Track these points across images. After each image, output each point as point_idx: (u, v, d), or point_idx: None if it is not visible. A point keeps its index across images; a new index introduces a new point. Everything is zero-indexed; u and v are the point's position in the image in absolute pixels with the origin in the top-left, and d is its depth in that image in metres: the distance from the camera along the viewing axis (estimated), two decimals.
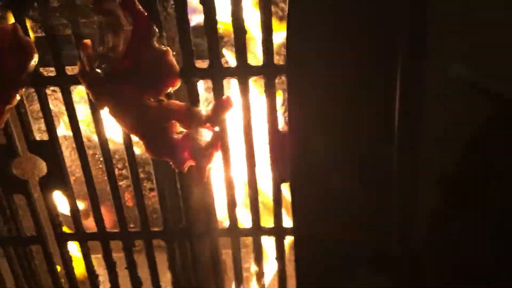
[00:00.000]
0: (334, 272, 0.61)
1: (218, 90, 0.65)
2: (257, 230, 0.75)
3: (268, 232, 0.74)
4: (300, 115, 0.56)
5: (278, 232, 0.74)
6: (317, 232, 0.60)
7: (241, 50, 0.62)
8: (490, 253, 0.64)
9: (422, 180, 0.64)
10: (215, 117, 0.65)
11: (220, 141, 0.67)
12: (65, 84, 0.66)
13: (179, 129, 0.66)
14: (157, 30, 0.61)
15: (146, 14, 0.60)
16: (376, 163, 0.64)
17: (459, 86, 0.58)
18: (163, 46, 0.61)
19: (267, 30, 0.60)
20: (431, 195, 0.65)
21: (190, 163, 0.68)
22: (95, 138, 0.74)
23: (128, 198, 1.06)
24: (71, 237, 0.77)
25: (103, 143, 0.69)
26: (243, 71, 0.63)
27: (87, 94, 0.65)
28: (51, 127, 0.68)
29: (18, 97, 0.64)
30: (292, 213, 0.62)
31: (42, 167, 0.72)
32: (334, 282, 0.62)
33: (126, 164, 0.72)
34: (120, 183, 1.03)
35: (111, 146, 0.72)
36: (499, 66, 0.56)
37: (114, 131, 0.74)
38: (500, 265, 0.64)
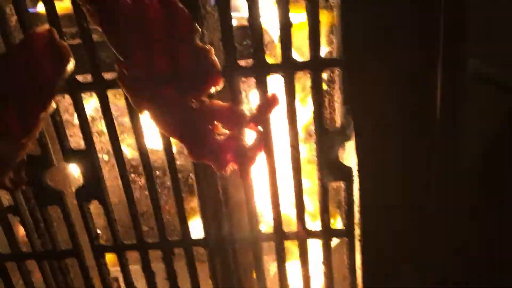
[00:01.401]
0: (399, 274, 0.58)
1: (262, 88, 0.62)
2: (303, 233, 0.71)
3: (316, 234, 0.71)
4: (360, 110, 0.54)
5: (326, 234, 0.71)
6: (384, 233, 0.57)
7: (287, 44, 0.59)
8: None
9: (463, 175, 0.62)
10: (260, 117, 0.63)
11: (264, 141, 0.65)
12: (102, 89, 0.63)
13: (221, 130, 0.64)
14: (199, 28, 0.58)
15: (187, 11, 0.58)
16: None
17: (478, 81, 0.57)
18: (204, 45, 0.59)
19: (314, 22, 0.58)
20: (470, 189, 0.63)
21: (232, 165, 0.65)
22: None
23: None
24: (108, 248, 0.74)
25: (142, 149, 0.66)
26: (289, 67, 0.61)
27: (126, 98, 0.63)
28: (87, 135, 0.66)
29: (54, 105, 0.62)
30: (361, 213, 0.60)
31: (78, 176, 0.70)
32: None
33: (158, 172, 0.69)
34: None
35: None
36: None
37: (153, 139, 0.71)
38: None
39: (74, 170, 0.72)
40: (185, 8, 0.57)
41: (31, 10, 0.69)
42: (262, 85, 0.62)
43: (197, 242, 0.73)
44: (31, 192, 0.70)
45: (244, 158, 0.65)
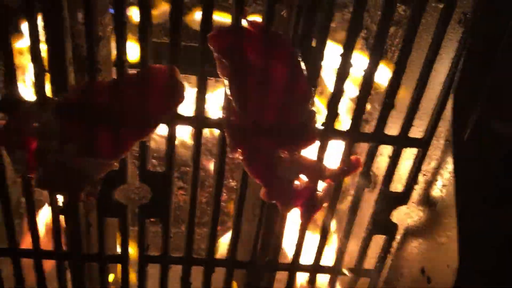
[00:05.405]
0: None
1: (348, 152, 0.68)
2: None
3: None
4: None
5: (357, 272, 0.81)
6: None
7: (383, 117, 0.66)
8: None
9: None
10: (340, 176, 0.69)
11: (333, 195, 0.72)
12: (199, 126, 0.65)
13: (301, 179, 0.69)
14: (314, 94, 0.62)
15: (306, 78, 0.61)
16: None
17: None
18: (312, 108, 0.63)
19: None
20: None
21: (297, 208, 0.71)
22: None
23: None
24: (154, 259, 0.78)
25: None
26: (378, 138, 0.67)
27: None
28: (170, 161, 0.68)
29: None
30: None
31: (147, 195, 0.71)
32: None
33: None
34: None
35: None
36: None
37: None
38: None
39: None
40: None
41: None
42: (349, 149, 0.68)
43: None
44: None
45: (312, 206, 0.71)
